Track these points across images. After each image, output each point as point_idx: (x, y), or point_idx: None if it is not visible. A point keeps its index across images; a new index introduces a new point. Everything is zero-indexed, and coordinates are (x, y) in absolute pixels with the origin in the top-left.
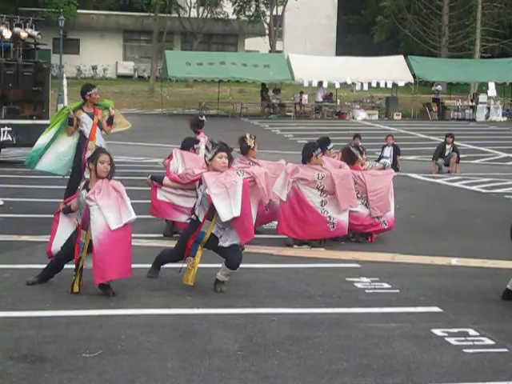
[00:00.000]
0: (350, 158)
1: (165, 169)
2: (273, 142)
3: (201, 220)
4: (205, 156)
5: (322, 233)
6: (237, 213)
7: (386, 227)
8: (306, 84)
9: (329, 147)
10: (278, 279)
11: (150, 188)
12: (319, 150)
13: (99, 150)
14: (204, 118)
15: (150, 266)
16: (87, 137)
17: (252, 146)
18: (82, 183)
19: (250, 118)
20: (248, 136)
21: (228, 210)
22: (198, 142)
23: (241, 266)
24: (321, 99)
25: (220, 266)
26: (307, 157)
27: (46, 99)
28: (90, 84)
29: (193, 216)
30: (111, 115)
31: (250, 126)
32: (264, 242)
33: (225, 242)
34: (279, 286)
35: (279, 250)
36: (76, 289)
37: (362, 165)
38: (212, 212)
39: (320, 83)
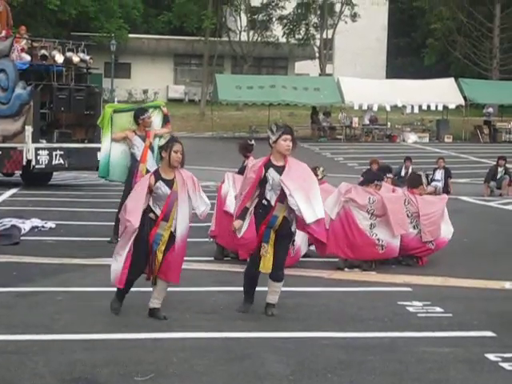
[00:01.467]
0: (414, 181)
1: (216, 192)
2: (323, 165)
3: (273, 204)
4: (269, 138)
5: (371, 255)
6: (322, 214)
7: (433, 247)
8: (356, 107)
9: (388, 175)
10: (329, 303)
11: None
12: (381, 182)
13: (173, 140)
14: (253, 141)
15: (200, 289)
16: (138, 159)
17: (320, 177)
18: (151, 175)
19: (300, 141)
20: (321, 169)
21: (311, 210)
22: None
23: (292, 289)
24: (367, 122)
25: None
26: (368, 181)
27: (97, 123)
28: (143, 108)
29: (264, 201)
30: (165, 113)
31: (300, 150)
32: (314, 265)
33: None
34: (331, 309)
35: (330, 274)
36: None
37: (420, 194)
38: (284, 195)
39: (370, 106)
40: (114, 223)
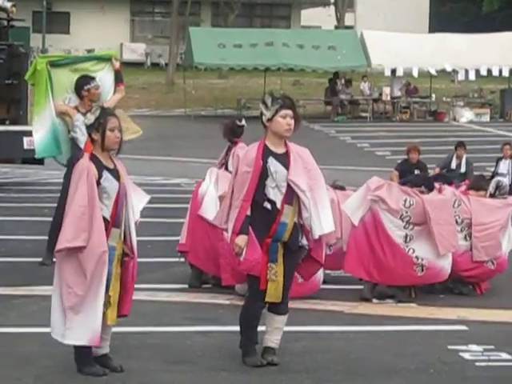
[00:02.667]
0: (478, 185)
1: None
2: (342, 155)
3: (279, 206)
4: (261, 115)
5: (407, 278)
6: (331, 227)
7: (493, 268)
8: (387, 72)
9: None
10: (350, 347)
11: (168, 220)
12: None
13: (105, 113)
14: (244, 122)
15: (169, 329)
16: (81, 146)
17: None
18: (90, 162)
19: (308, 121)
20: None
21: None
22: None
23: (299, 328)
24: (398, 93)
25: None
26: (414, 185)
27: (23, 96)
28: (88, 76)
29: (266, 203)
30: (116, 69)
31: (309, 133)
32: (331, 294)
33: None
34: (353, 357)
35: (352, 307)
36: (113, 320)
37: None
38: (292, 194)
39: (407, 71)
40: (47, 237)
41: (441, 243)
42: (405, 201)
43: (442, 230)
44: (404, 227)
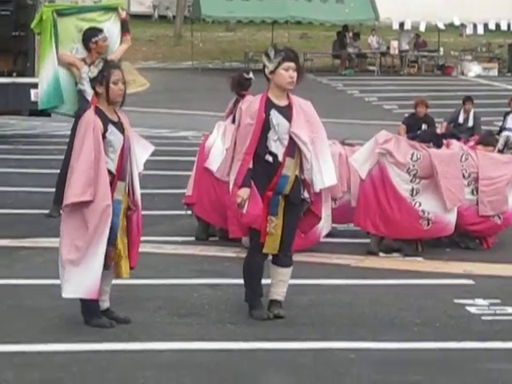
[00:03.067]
0: (486, 140)
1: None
2: (349, 108)
3: (280, 159)
4: (264, 67)
5: (413, 232)
6: (333, 181)
7: (499, 222)
8: (395, 26)
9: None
10: (356, 301)
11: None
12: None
13: (108, 66)
14: (251, 75)
15: (175, 281)
16: (88, 99)
17: None
18: (95, 115)
19: (316, 75)
20: None
21: (319, 174)
22: None
23: (306, 282)
24: (406, 47)
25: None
26: (422, 141)
27: (30, 48)
28: (95, 28)
29: (267, 156)
30: (123, 19)
31: (316, 86)
32: (337, 248)
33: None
34: (359, 310)
35: (359, 260)
36: (127, 272)
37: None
38: (294, 146)
39: (415, 25)
40: (54, 189)
41: (448, 197)
42: (412, 154)
43: (449, 184)
44: (411, 181)
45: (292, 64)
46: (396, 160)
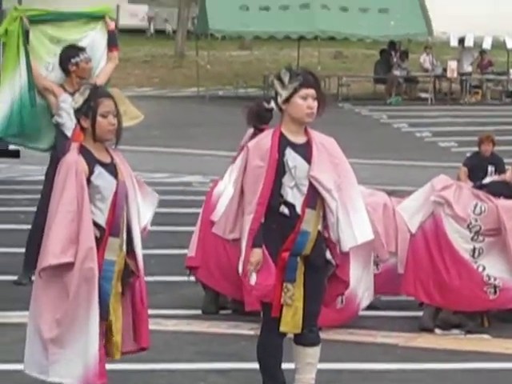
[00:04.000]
0: None
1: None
2: (396, 146)
3: (299, 211)
4: (276, 95)
5: (476, 302)
6: (368, 235)
7: None
8: (453, 42)
9: None
10: None
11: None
12: None
13: (97, 94)
14: (273, 104)
15: (178, 366)
16: (68, 134)
17: None
18: (78, 155)
19: (353, 104)
20: None
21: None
22: None
23: (342, 366)
24: (469, 69)
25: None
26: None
27: None
28: (75, 46)
29: (283, 208)
30: (110, 30)
31: (355, 118)
32: (382, 323)
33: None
34: None
35: (409, 339)
36: (118, 354)
37: None
38: (315, 195)
39: (478, 40)
40: (24, 250)
41: None
42: (475, 206)
43: None
44: (472, 239)
45: (311, 91)
46: (455, 213)
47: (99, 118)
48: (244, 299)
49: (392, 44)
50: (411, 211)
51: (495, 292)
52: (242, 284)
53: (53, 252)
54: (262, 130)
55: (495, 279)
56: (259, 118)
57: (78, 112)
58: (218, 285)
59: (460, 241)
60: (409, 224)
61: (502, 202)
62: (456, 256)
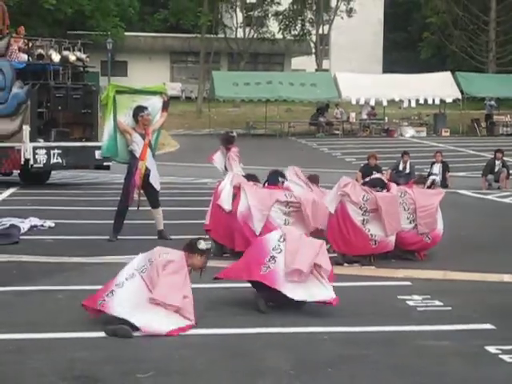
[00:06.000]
0: (418, 180)
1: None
2: (321, 161)
3: None
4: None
5: (364, 249)
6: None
7: (429, 241)
8: (353, 102)
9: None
10: None
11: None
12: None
13: None
14: (235, 133)
15: (196, 285)
16: (138, 156)
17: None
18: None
19: (297, 137)
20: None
21: None
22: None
23: None
24: (365, 117)
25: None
26: (371, 186)
27: (94, 121)
28: (142, 106)
29: None
30: (164, 100)
31: (297, 145)
32: None
33: None
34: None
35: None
36: None
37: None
38: None
39: (367, 101)
40: (113, 221)
41: (388, 228)
42: (363, 196)
43: (390, 219)
44: (362, 214)
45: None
46: (352, 200)
47: None
48: (235, 244)
49: (327, 105)
50: (330, 199)
51: (375, 243)
52: (234, 237)
53: None
54: (229, 149)
55: (375, 236)
56: (227, 141)
57: None
58: (222, 239)
59: (355, 215)
60: (329, 207)
61: (378, 194)
62: (353, 224)
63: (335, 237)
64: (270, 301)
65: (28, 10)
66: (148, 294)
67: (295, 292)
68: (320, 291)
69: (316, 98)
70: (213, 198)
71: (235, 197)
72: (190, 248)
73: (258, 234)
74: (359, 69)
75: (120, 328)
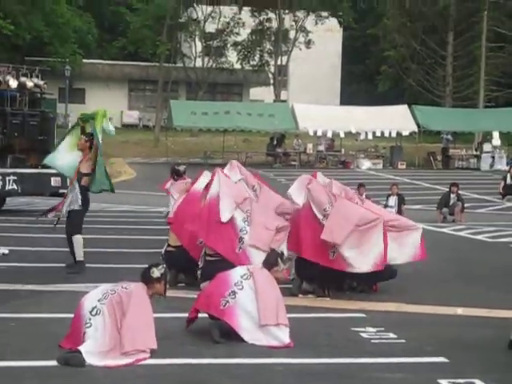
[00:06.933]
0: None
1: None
2: (278, 192)
3: None
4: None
5: (321, 258)
6: None
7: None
8: (311, 133)
9: None
10: None
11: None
12: None
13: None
14: (182, 167)
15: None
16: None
17: None
18: None
19: (254, 167)
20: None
21: None
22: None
23: None
24: (322, 149)
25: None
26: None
27: (51, 148)
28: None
29: None
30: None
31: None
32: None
33: None
34: None
35: (284, 300)
36: None
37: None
38: None
39: (324, 132)
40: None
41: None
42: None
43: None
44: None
45: None
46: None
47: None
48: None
49: (283, 136)
50: (295, 191)
51: (333, 255)
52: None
53: None
54: (177, 180)
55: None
56: (175, 173)
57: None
58: (182, 235)
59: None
60: (296, 200)
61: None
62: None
63: (293, 237)
64: (224, 332)
65: None
66: (115, 333)
67: (251, 335)
68: (276, 337)
69: (273, 128)
70: (185, 194)
71: (207, 186)
72: (147, 278)
73: (225, 221)
74: (317, 100)
75: (72, 356)
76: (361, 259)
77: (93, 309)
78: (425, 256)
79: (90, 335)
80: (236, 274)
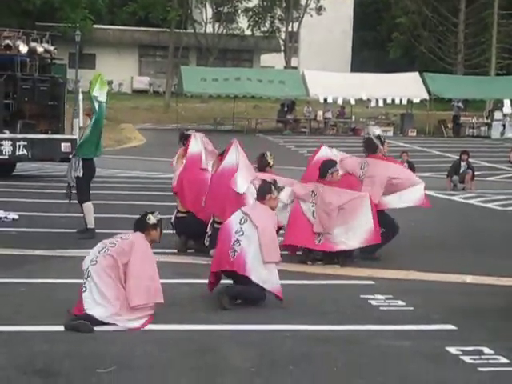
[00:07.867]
0: (370, 148)
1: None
2: (287, 158)
3: None
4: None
5: (307, 242)
6: None
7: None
8: (321, 100)
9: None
10: (291, 296)
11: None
12: (335, 167)
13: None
14: (190, 131)
15: (161, 281)
16: None
17: (271, 163)
18: None
19: (264, 134)
20: (268, 154)
21: None
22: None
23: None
24: (330, 116)
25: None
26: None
27: (61, 114)
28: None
29: None
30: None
31: (264, 142)
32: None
33: None
34: (293, 302)
35: (293, 267)
36: None
37: (383, 154)
38: None
39: (335, 99)
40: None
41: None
42: (312, 192)
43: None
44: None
45: None
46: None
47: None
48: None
49: (293, 102)
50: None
51: (320, 241)
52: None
53: None
54: (187, 145)
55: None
56: (184, 138)
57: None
58: (183, 199)
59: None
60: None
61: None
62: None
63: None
64: (237, 298)
65: None
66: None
67: (258, 274)
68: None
69: (284, 95)
70: (185, 160)
71: (214, 164)
72: (143, 226)
73: (241, 192)
74: (328, 67)
75: (80, 323)
76: (352, 235)
77: (84, 271)
78: (428, 204)
79: (87, 299)
80: (234, 222)
